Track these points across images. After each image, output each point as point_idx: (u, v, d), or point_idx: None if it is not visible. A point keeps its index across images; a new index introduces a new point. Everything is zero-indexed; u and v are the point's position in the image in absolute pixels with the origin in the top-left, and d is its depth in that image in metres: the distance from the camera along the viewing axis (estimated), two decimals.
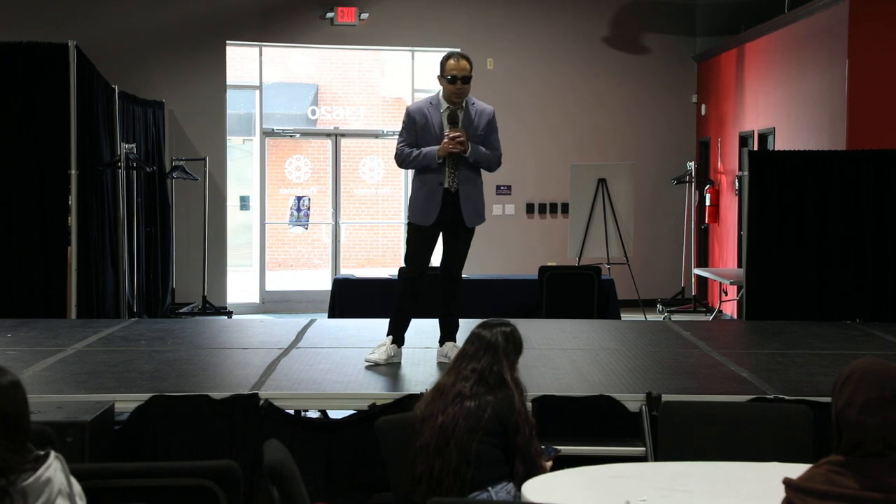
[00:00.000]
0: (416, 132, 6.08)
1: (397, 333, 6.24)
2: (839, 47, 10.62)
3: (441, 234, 6.18)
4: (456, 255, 6.22)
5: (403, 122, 6.15)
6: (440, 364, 6.13)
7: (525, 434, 3.93)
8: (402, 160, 6.15)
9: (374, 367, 6.07)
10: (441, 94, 6.10)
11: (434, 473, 3.89)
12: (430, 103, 6.13)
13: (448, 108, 6.06)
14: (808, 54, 11.54)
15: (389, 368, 6.06)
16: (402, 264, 6.36)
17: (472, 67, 6.03)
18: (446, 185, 6.03)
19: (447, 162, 6.01)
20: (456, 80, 5.98)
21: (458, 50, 6.25)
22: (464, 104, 6.07)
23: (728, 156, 13.83)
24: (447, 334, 6.28)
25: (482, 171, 6.18)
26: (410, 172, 6.50)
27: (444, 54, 6.13)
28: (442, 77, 6.05)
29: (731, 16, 14.30)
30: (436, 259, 6.43)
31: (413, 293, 6.22)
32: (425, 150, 6.02)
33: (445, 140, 5.96)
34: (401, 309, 6.26)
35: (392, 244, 15.44)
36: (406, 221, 6.29)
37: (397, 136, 6.24)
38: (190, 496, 3.32)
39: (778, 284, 8.71)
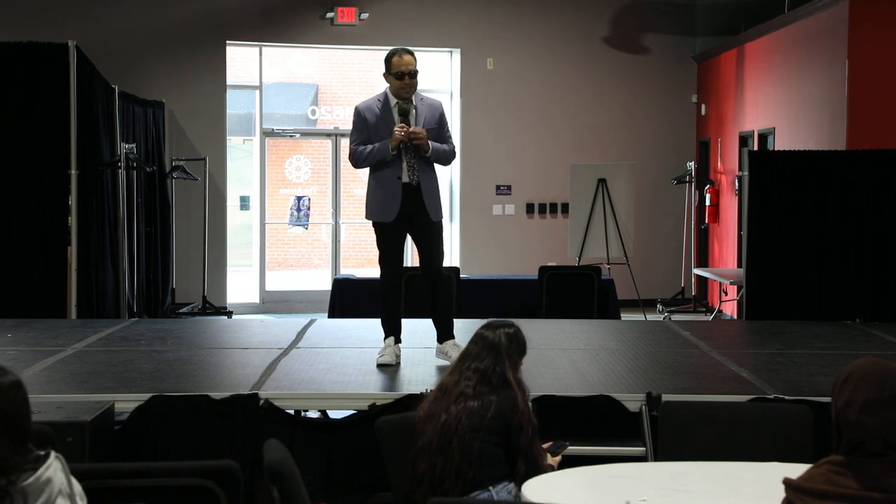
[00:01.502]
0: (367, 131, 6.09)
1: (396, 333, 6.26)
2: (839, 47, 10.62)
3: (408, 233, 6.19)
4: (432, 252, 6.19)
5: (354, 121, 6.17)
6: (440, 364, 6.13)
7: (528, 434, 3.93)
8: (356, 159, 6.15)
9: (374, 367, 6.06)
10: (389, 90, 6.12)
11: (436, 472, 3.89)
12: (379, 100, 6.15)
13: (398, 103, 6.08)
14: (808, 54, 11.54)
15: (389, 368, 6.06)
16: None
17: (416, 62, 6.09)
18: (406, 179, 6.03)
19: (405, 156, 6.02)
20: (403, 76, 6.04)
21: (401, 47, 6.28)
22: (413, 100, 6.09)
23: (728, 156, 13.83)
24: (444, 333, 6.26)
25: (437, 165, 6.21)
26: None
27: (387, 52, 6.18)
28: (389, 74, 6.09)
29: (731, 16, 14.30)
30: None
31: (394, 296, 6.24)
32: (378, 144, 6.03)
33: (396, 129, 5.97)
34: (390, 311, 6.27)
35: None
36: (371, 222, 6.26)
37: (349, 137, 6.23)
38: (190, 496, 3.33)
39: (778, 284, 8.71)
